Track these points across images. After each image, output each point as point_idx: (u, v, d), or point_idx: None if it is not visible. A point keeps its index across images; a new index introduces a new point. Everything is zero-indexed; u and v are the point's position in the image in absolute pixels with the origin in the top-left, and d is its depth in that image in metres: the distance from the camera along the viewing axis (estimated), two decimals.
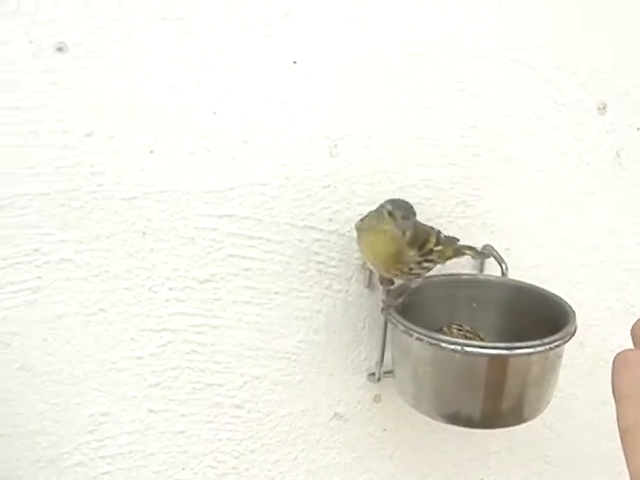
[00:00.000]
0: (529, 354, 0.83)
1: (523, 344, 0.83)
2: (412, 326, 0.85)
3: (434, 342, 0.84)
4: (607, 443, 1.22)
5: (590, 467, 1.24)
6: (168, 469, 0.96)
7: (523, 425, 1.02)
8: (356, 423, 1.04)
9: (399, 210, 0.85)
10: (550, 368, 0.87)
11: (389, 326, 0.94)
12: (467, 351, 0.82)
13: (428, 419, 0.98)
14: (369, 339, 1.01)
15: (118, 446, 0.93)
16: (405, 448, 1.09)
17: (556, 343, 0.84)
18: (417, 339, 0.85)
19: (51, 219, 0.84)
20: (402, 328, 0.86)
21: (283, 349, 0.97)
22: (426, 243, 0.89)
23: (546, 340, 0.84)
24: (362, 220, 0.90)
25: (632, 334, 0.43)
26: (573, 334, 0.87)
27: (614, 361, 0.41)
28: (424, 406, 0.89)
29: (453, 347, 0.83)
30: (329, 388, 1.01)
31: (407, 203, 0.87)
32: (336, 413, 1.03)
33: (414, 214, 0.86)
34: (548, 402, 0.91)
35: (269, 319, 0.96)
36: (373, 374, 1.01)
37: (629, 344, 1.16)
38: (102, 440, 0.93)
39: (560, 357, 0.88)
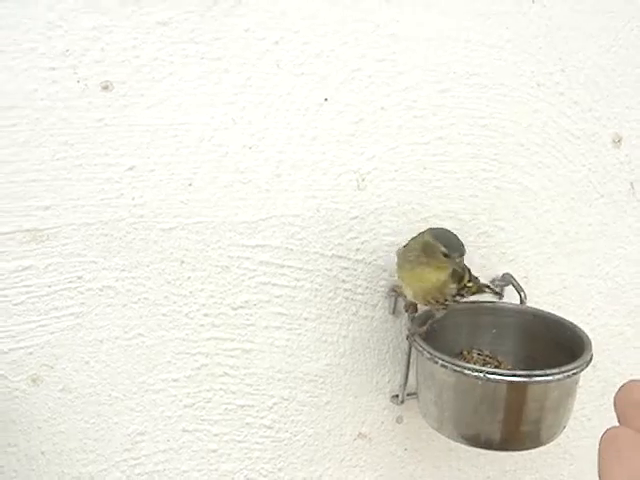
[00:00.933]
0: (547, 382, 0.88)
1: (542, 372, 0.87)
2: (437, 353, 0.90)
3: (458, 369, 0.88)
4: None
5: None
6: None
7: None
8: (379, 443, 1.09)
9: (456, 251, 0.89)
10: (566, 394, 0.92)
11: (413, 352, 0.98)
12: (489, 378, 0.87)
13: (448, 440, 1.02)
14: (393, 363, 1.06)
15: (154, 464, 0.98)
16: (425, 467, 1.13)
17: (573, 371, 0.89)
18: (442, 366, 0.89)
19: (94, 248, 0.89)
20: (427, 355, 0.91)
21: (311, 372, 1.02)
22: (462, 279, 0.94)
23: (564, 368, 0.88)
24: (406, 248, 0.94)
25: (615, 406, 0.38)
26: (589, 362, 0.91)
27: (602, 441, 0.36)
28: (447, 429, 0.93)
29: (476, 374, 0.87)
30: (354, 409, 1.06)
31: (458, 240, 0.91)
32: (360, 433, 1.07)
33: (465, 251, 0.91)
34: (564, 426, 0.95)
35: (298, 343, 1.00)
36: (396, 396, 1.05)
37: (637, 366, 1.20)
38: (139, 458, 0.97)
39: (576, 383, 0.93)
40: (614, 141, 1.13)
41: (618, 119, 1.12)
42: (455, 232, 1.03)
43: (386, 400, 1.07)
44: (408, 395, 1.04)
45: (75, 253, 0.88)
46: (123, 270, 0.91)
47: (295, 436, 1.04)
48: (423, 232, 0.94)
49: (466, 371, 0.88)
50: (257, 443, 1.02)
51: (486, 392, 0.88)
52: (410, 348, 1.01)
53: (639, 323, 1.21)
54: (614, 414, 1.07)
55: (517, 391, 0.88)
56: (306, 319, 1.00)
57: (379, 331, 1.04)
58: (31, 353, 0.89)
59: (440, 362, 0.89)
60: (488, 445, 0.92)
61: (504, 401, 0.88)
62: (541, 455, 1.21)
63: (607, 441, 0.36)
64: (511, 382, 0.87)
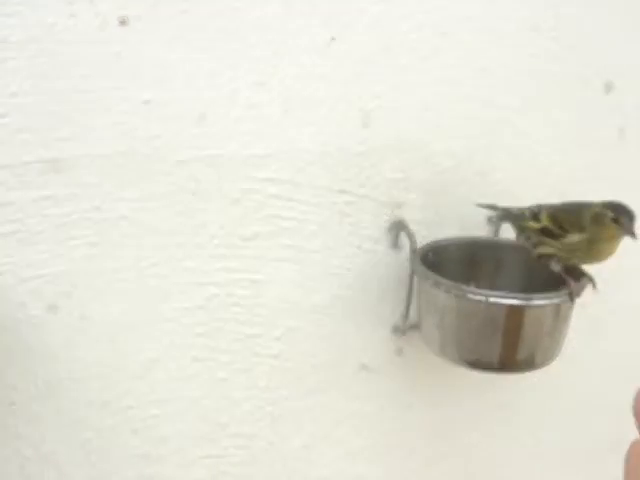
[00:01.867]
0: (545, 305, 0.92)
1: (540, 295, 0.92)
2: (440, 279, 0.94)
3: (460, 293, 0.92)
4: (608, 400, 1.32)
5: (592, 421, 1.33)
6: (210, 413, 1.05)
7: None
8: (381, 374, 1.13)
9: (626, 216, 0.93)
10: (562, 319, 0.96)
11: (416, 281, 1.02)
12: (490, 301, 0.91)
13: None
14: (394, 296, 1.10)
15: (166, 391, 1.02)
16: (424, 399, 1.18)
17: (569, 296, 0.93)
18: (445, 291, 0.93)
19: (110, 179, 0.92)
20: (431, 281, 0.95)
21: (317, 303, 1.06)
22: None
23: (561, 292, 0.93)
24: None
25: (635, 416, 0.37)
26: (584, 288, 0.96)
27: (628, 455, 0.36)
28: (449, 353, 0.98)
29: (478, 298, 0.91)
30: (357, 340, 1.10)
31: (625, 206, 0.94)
32: (362, 364, 1.11)
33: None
34: (559, 352, 0.99)
35: (305, 275, 1.04)
36: (398, 328, 1.09)
37: (629, 307, 1.25)
38: (151, 385, 1.01)
39: (571, 309, 0.97)
40: (605, 87, 1.17)
41: (609, 66, 1.16)
42: (454, 170, 1.08)
43: (387, 332, 1.11)
44: (409, 327, 1.08)
45: (92, 183, 0.92)
46: (138, 201, 0.94)
47: (301, 365, 1.08)
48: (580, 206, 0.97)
49: (468, 295, 0.92)
50: (264, 372, 1.06)
51: (487, 316, 0.93)
52: (412, 279, 1.05)
53: (627, 263, 1.26)
54: (602, 351, 1.13)
55: (516, 314, 0.92)
56: (312, 251, 1.03)
57: (382, 264, 1.08)
58: (49, 281, 0.93)
59: (443, 287, 0.93)
60: (488, 367, 0.96)
61: (503, 324, 0.93)
62: (534, 390, 1.26)
63: (634, 455, 0.36)
64: (511, 305, 0.91)
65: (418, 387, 1.17)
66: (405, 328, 1.09)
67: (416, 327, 1.07)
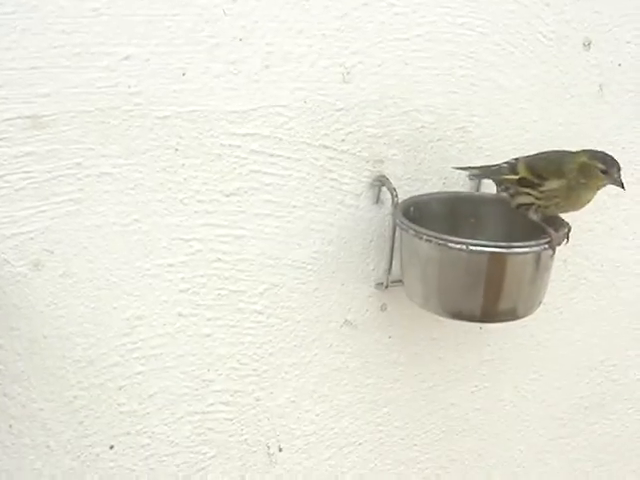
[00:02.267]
0: (526, 253, 0.93)
1: (521, 244, 0.93)
2: (421, 229, 0.95)
3: (442, 242, 0.93)
4: (589, 356, 1.34)
5: (574, 377, 1.35)
6: (195, 370, 1.05)
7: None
8: (364, 330, 1.14)
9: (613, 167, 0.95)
10: (543, 269, 0.97)
11: (398, 234, 1.03)
12: (472, 250, 0.92)
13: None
14: (377, 251, 1.10)
15: (151, 348, 1.02)
16: (408, 355, 1.19)
17: (549, 244, 0.94)
18: (426, 240, 0.94)
19: (92, 135, 0.92)
20: (412, 232, 0.96)
21: (300, 259, 1.06)
22: None
23: (541, 241, 0.94)
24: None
25: None
26: (566, 235, 0.97)
27: None
28: (431, 304, 0.99)
29: (459, 246, 0.92)
30: (340, 296, 1.11)
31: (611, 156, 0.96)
32: (346, 320, 1.12)
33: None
34: (540, 302, 1.00)
35: (287, 231, 1.05)
36: (381, 283, 1.10)
37: (609, 263, 1.26)
38: (136, 342, 1.01)
39: (552, 259, 0.98)
40: (584, 44, 1.18)
41: (588, 23, 1.17)
42: (435, 125, 1.08)
43: (371, 288, 1.12)
44: (392, 283, 1.09)
45: (73, 140, 0.92)
46: (120, 157, 0.94)
47: (285, 322, 1.09)
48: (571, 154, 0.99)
49: (450, 244, 0.93)
50: (249, 328, 1.07)
51: (469, 264, 0.94)
52: (394, 234, 1.06)
53: (607, 220, 1.28)
54: (584, 308, 1.14)
55: (498, 262, 0.93)
56: (294, 207, 1.04)
57: (364, 220, 1.09)
58: (32, 238, 0.93)
59: (425, 237, 0.94)
60: (471, 318, 0.97)
61: (485, 273, 0.94)
62: (517, 347, 1.27)
63: None
64: (492, 253, 0.92)
65: (402, 343, 1.18)
66: (388, 283, 1.09)
67: (399, 282, 1.08)
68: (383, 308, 1.14)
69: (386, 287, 1.09)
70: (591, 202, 0.99)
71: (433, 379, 1.22)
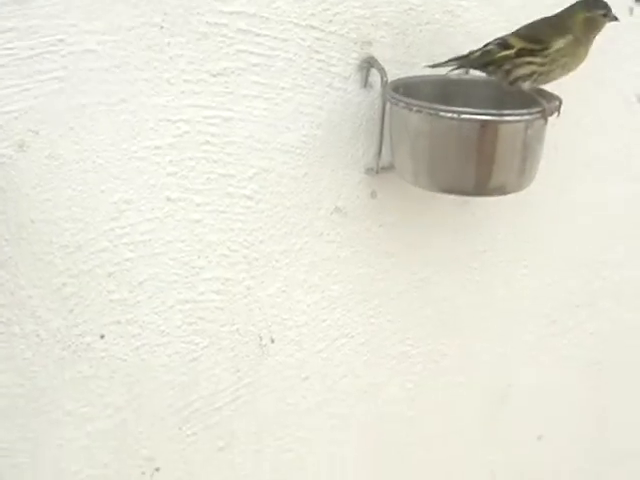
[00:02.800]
0: (517, 121, 0.93)
1: (512, 111, 0.92)
2: (411, 100, 0.94)
3: (433, 112, 0.92)
4: (579, 252, 1.34)
5: (564, 273, 1.35)
6: (185, 257, 1.04)
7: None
8: (355, 218, 1.13)
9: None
10: (535, 140, 0.96)
11: (388, 111, 1.02)
12: (462, 118, 0.91)
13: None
14: (366, 136, 1.09)
15: (139, 233, 1.01)
16: (399, 245, 1.18)
17: (541, 113, 0.94)
18: (417, 112, 0.93)
19: (75, 10, 0.90)
20: (403, 104, 0.95)
21: (289, 143, 1.05)
22: None
23: (533, 110, 0.93)
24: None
25: None
26: (557, 109, 0.96)
27: None
28: (422, 180, 0.98)
29: (450, 115, 0.91)
30: (330, 182, 1.10)
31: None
32: (337, 207, 1.11)
33: None
34: (533, 177, 1.00)
35: (276, 114, 1.03)
36: (371, 169, 1.09)
37: (599, 158, 1.26)
38: (125, 227, 1.00)
39: (544, 130, 0.97)
40: None
41: None
42: (422, 8, 1.07)
43: (361, 174, 1.11)
44: (382, 169, 1.08)
45: (55, 15, 0.89)
46: (104, 34, 0.92)
47: (275, 208, 1.07)
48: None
49: (440, 113, 0.92)
50: (239, 214, 1.05)
51: (460, 134, 0.93)
52: (383, 117, 1.04)
53: (601, 112, 1.27)
54: (574, 202, 1.14)
55: (490, 131, 0.92)
56: (282, 89, 1.03)
57: (352, 104, 1.07)
58: (16, 118, 0.91)
59: (415, 108, 0.93)
60: (462, 191, 0.97)
61: (477, 143, 0.93)
62: (507, 239, 1.27)
63: None
64: (484, 121, 0.91)
65: (393, 231, 1.17)
66: (378, 168, 1.08)
67: (389, 169, 1.07)
68: (373, 195, 1.13)
69: (376, 172, 1.08)
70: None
71: (424, 271, 1.22)
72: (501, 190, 0.97)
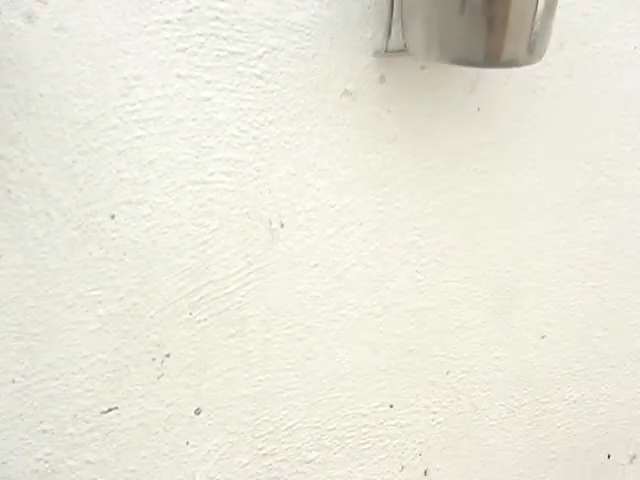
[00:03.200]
0: None
1: None
2: None
3: None
4: (584, 147, 1.34)
5: (569, 168, 1.35)
6: (195, 136, 1.04)
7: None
8: (363, 102, 1.13)
9: None
10: (547, 12, 0.96)
11: None
12: None
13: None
14: (375, 18, 1.08)
15: (149, 111, 1.00)
16: (407, 131, 1.18)
17: None
18: None
19: None
20: None
21: (298, 22, 1.04)
22: None
23: None
24: None
25: None
26: None
27: None
28: (434, 52, 0.97)
29: None
30: (339, 64, 1.09)
31: None
32: (346, 90, 1.11)
33: None
34: (542, 53, 0.99)
35: None
36: (380, 51, 1.09)
37: (605, 51, 1.25)
38: (135, 104, 0.99)
39: (555, 4, 0.97)
40: None
41: None
42: None
43: (369, 57, 1.10)
44: (391, 51, 1.08)
45: None
46: None
47: (284, 88, 1.07)
48: None
49: None
50: (249, 93, 1.05)
51: (471, 2, 0.92)
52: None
53: (603, 5, 1.27)
54: (579, 96, 1.13)
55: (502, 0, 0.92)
56: None
57: None
58: None
59: None
60: (473, 62, 0.96)
61: (488, 10, 0.92)
62: (514, 131, 1.27)
63: None
64: None
65: (401, 118, 1.16)
66: (387, 48, 1.08)
67: (398, 52, 1.07)
68: (382, 80, 1.12)
69: (385, 51, 1.08)
70: None
71: (432, 159, 1.22)
72: (511, 62, 0.97)
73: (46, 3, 0.91)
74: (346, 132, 1.13)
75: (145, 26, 0.97)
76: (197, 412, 1.17)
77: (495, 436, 1.43)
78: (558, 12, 0.99)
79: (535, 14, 0.94)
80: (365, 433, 1.30)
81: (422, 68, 1.14)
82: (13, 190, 0.97)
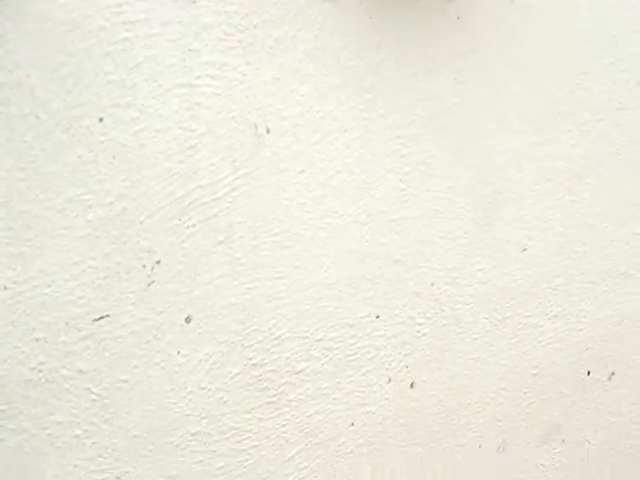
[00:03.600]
0: None
1: None
2: None
3: None
4: (562, 59, 1.36)
5: (548, 81, 1.37)
6: (182, 38, 1.05)
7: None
8: (345, 9, 1.14)
9: None
10: None
11: None
12: None
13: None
14: None
15: (136, 12, 1.01)
16: (389, 38, 1.19)
17: None
18: None
19: None
20: None
21: None
22: None
23: None
24: None
25: None
26: None
27: None
28: None
29: None
30: None
31: None
32: None
33: None
34: None
35: None
36: None
37: None
38: (121, 5, 1.00)
39: None
40: None
41: None
42: None
43: None
44: None
45: None
46: None
47: None
48: None
49: None
50: None
51: None
52: None
53: None
54: (556, 9, 1.12)
55: None
56: None
57: None
58: None
59: None
60: None
61: None
62: (492, 38, 1.29)
63: None
64: None
65: (382, 25, 1.18)
66: None
67: None
68: None
69: None
70: None
71: (414, 66, 1.23)
72: None
73: None
74: (329, 37, 1.15)
75: None
76: (187, 320, 1.18)
77: (479, 350, 1.45)
78: None
79: None
80: (352, 344, 1.33)
81: None
82: (1, 92, 0.98)
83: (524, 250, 1.44)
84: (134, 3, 1.00)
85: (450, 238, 1.36)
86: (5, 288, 1.05)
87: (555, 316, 1.52)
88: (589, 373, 1.61)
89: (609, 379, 1.64)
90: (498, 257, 1.42)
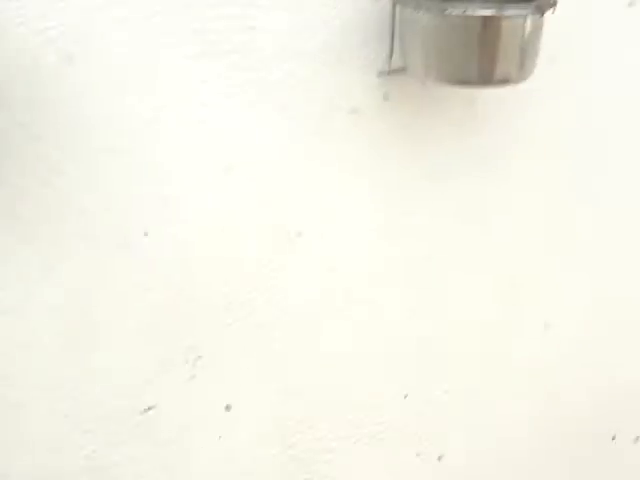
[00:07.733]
0: (516, 16, 1.02)
1: (512, 6, 1.02)
2: (420, 0, 1.03)
3: (439, 11, 1.01)
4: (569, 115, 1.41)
5: (550, 167, 1.45)
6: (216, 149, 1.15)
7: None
8: (370, 119, 1.23)
9: None
10: (534, 34, 1.06)
11: (397, 16, 1.11)
12: (467, 15, 1.00)
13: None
14: (377, 41, 1.17)
15: None
16: (409, 140, 1.28)
17: (538, 9, 1.03)
18: (426, 11, 1.02)
19: None
20: (413, 5, 1.04)
21: (308, 50, 1.14)
22: None
23: (529, 5, 1.02)
24: None
25: None
26: (553, 5, 1.05)
27: None
28: (432, 74, 1.07)
29: (456, 12, 1.00)
30: (345, 84, 1.20)
31: None
32: (352, 108, 1.21)
33: None
34: (532, 70, 1.09)
35: (296, 22, 1.13)
36: (383, 72, 1.18)
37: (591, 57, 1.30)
38: None
39: (541, 24, 1.06)
40: None
41: None
42: None
43: (373, 77, 1.20)
44: (393, 71, 1.18)
45: None
46: None
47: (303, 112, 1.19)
48: None
49: (446, 11, 1.01)
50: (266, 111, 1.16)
51: (465, 30, 1.02)
52: (393, 22, 1.13)
53: None
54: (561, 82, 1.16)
55: (491, 26, 1.02)
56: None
57: (364, 12, 1.16)
58: (63, 32, 1.01)
59: (424, 7, 1.03)
60: (468, 82, 1.06)
61: (480, 37, 1.02)
62: (503, 134, 1.36)
63: None
64: (485, 17, 1.00)
65: (405, 135, 1.27)
66: (390, 70, 1.17)
67: (400, 72, 1.16)
68: (386, 97, 1.21)
69: (388, 74, 1.17)
70: None
71: (432, 164, 1.31)
72: (503, 81, 1.06)
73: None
74: (354, 147, 1.23)
75: (171, 61, 1.07)
76: (227, 408, 1.27)
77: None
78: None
79: (522, 39, 1.04)
80: (380, 423, 1.40)
81: (423, 84, 1.22)
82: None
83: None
84: None
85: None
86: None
87: None
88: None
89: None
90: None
